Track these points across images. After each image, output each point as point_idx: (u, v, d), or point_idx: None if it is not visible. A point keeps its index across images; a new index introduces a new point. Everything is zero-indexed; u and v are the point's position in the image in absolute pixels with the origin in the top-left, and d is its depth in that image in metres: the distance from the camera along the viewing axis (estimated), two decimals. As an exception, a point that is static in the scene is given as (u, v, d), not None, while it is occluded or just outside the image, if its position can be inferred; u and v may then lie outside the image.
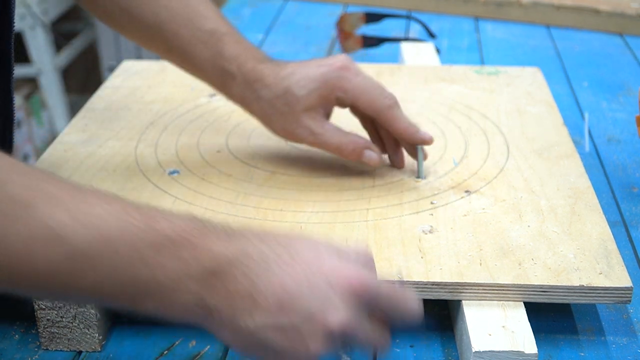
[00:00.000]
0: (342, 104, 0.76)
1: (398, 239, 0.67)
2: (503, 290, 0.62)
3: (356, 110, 0.78)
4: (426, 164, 0.79)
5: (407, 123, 0.75)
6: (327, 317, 0.51)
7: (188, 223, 0.52)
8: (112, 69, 1.07)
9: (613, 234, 0.68)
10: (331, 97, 0.75)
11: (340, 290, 0.51)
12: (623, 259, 0.65)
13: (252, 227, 0.55)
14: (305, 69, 0.75)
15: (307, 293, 0.51)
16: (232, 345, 0.53)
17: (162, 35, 0.80)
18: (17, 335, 0.66)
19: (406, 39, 1.25)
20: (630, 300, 0.62)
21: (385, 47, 1.27)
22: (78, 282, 0.50)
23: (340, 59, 0.75)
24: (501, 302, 0.62)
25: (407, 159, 0.80)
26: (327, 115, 0.77)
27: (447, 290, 0.63)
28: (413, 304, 0.54)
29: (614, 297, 0.62)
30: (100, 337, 0.64)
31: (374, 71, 1.04)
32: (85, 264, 0.49)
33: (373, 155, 0.76)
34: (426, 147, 0.78)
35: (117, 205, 0.51)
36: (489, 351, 0.58)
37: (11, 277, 0.49)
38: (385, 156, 0.80)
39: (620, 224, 0.81)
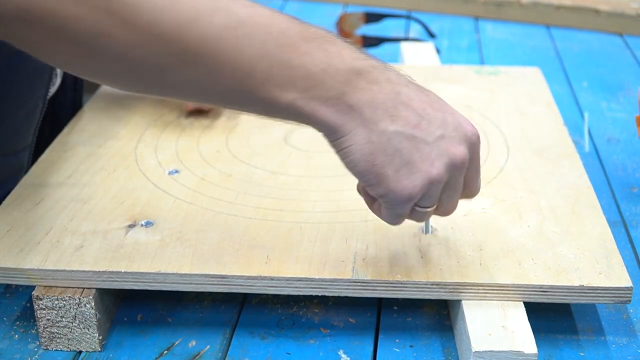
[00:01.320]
0: None
1: (398, 239, 0.67)
2: (503, 290, 0.62)
3: None
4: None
5: None
6: (455, 149, 0.56)
7: (333, 34, 0.56)
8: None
9: (613, 234, 0.68)
10: None
11: (467, 134, 0.57)
12: (623, 259, 0.65)
13: None
14: None
15: (442, 122, 0.56)
16: (360, 150, 0.55)
17: None
18: (17, 335, 0.66)
19: (406, 39, 1.25)
20: (630, 300, 0.62)
21: (385, 47, 1.27)
22: (233, 56, 0.52)
23: None
24: (501, 302, 0.62)
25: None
26: None
27: (447, 290, 0.63)
28: (479, 184, 0.60)
29: (613, 297, 0.62)
30: (100, 337, 0.64)
31: (373, 71, 1.04)
32: (244, 37, 0.52)
33: None
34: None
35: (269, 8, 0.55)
36: (489, 351, 0.58)
37: (181, 40, 0.51)
38: None
39: (620, 224, 0.81)
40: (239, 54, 0.52)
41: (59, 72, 0.86)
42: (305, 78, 0.53)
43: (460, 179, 0.58)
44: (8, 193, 0.75)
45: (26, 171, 0.80)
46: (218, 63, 0.53)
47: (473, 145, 0.58)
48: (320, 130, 0.56)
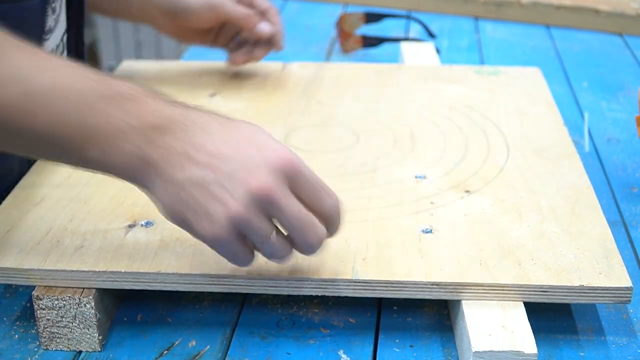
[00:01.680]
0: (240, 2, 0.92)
1: (398, 239, 0.67)
2: (503, 290, 0.62)
3: None
4: (426, 161, 0.79)
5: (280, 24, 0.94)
6: (250, 179, 0.54)
7: (140, 87, 0.58)
8: (112, 69, 1.07)
9: (613, 234, 0.68)
10: None
11: (268, 161, 0.55)
12: (623, 259, 0.65)
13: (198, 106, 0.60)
14: None
15: (237, 155, 0.55)
16: (161, 201, 0.57)
17: None
18: (17, 335, 0.66)
19: (406, 39, 1.25)
20: (630, 300, 0.62)
21: (385, 47, 1.27)
22: (31, 121, 0.55)
23: None
24: (501, 302, 0.62)
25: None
26: None
27: (447, 290, 0.63)
28: (333, 199, 0.58)
29: (613, 297, 0.62)
30: (100, 337, 0.64)
31: (374, 71, 1.04)
32: (38, 103, 0.55)
33: (266, 27, 0.92)
34: (426, 147, 0.78)
35: (80, 66, 0.57)
36: (489, 351, 0.58)
37: None
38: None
39: (620, 224, 0.81)
40: (36, 120, 0.55)
41: None
42: (101, 137, 0.56)
43: (282, 206, 0.55)
44: (7, 186, 0.75)
45: (23, 161, 0.80)
46: (15, 129, 0.56)
47: (282, 171, 0.55)
48: (128, 181, 0.59)
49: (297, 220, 0.56)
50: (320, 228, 0.58)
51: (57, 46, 0.82)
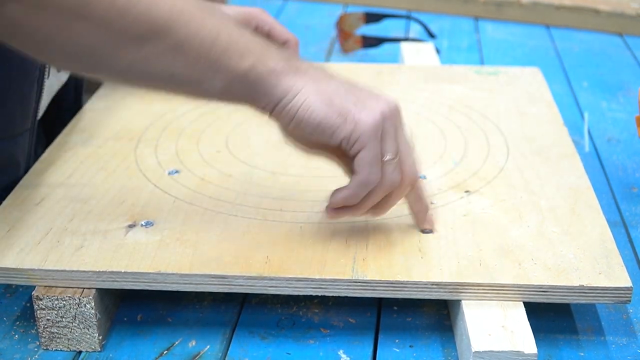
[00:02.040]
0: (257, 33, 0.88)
1: (398, 239, 0.67)
2: (503, 290, 0.62)
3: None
4: (426, 161, 0.79)
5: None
6: (382, 101, 0.63)
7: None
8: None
9: (613, 234, 0.68)
10: (251, 24, 0.88)
11: (386, 97, 0.64)
12: (623, 259, 0.65)
13: None
14: None
15: (363, 89, 0.64)
16: (315, 100, 0.61)
17: None
18: (17, 335, 0.66)
19: (406, 39, 1.25)
20: (629, 300, 0.62)
21: (385, 47, 1.27)
22: (200, 26, 0.59)
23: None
24: (501, 302, 0.62)
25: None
26: None
27: (447, 290, 0.63)
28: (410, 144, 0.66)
29: (613, 297, 0.62)
30: (100, 337, 0.64)
31: (374, 71, 1.04)
32: (204, 10, 0.60)
33: None
34: (426, 147, 0.78)
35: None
36: (489, 351, 0.58)
37: (151, 18, 0.57)
38: None
39: (620, 224, 0.81)
40: (202, 26, 0.59)
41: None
42: (257, 46, 0.61)
43: (401, 130, 0.64)
44: (12, 179, 0.76)
45: (30, 155, 0.80)
46: (184, 35, 0.58)
47: (397, 110, 0.64)
48: (270, 100, 0.61)
49: (409, 145, 0.65)
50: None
51: None
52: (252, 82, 0.61)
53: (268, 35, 0.89)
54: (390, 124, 0.62)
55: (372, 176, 0.62)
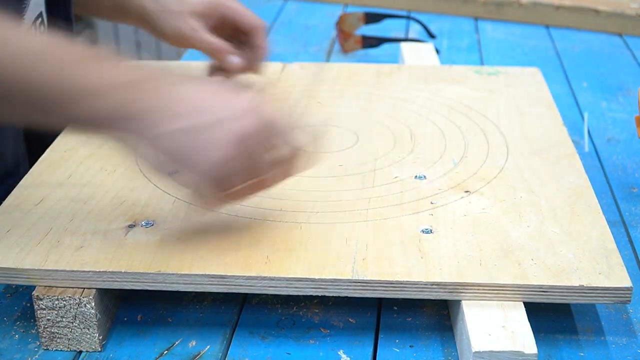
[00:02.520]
0: (224, 21, 0.88)
1: (398, 239, 0.67)
2: (503, 290, 0.62)
3: (227, 28, 0.89)
4: (426, 162, 0.79)
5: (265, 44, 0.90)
6: (235, 124, 0.59)
7: (114, 52, 0.62)
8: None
9: (613, 234, 0.68)
10: (216, 11, 0.87)
11: (247, 105, 0.60)
12: (623, 259, 0.65)
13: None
14: None
15: (220, 104, 0.60)
16: (149, 155, 0.60)
17: None
18: (17, 335, 0.66)
19: (406, 39, 1.25)
20: (629, 301, 0.62)
21: (385, 47, 1.27)
22: (23, 79, 0.58)
23: None
24: (501, 302, 0.63)
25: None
26: (209, 30, 0.88)
27: (447, 290, 0.63)
28: (296, 141, 0.63)
29: (613, 297, 0.62)
30: (100, 337, 0.64)
31: (374, 71, 1.04)
32: (31, 62, 0.58)
33: (235, 59, 0.87)
34: (426, 147, 0.78)
35: (59, 34, 0.61)
36: (489, 351, 0.58)
37: None
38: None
39: (619, 224, 0.81)
40: (32, 75, 0.58)
41: None
42: (87, 93, 0.59)
43: (270, 142, 0.61)
44: None
45: (18, 148, 0.80)
46: (8, 88, 0.59)
47: (259, 112, 0.61)
48: (112, 140, 0.62)
49: (272, 163, 0.63)
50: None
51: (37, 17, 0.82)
52: (87, 127, 0.62)
53: (234, 24, 0.89)
54: (234, 157, 0.60)
55: (258, 171, 0.63)
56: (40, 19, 0.84)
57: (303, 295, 0.68)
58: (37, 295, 0.63)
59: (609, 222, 0.71)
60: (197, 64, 1.06)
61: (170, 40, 0.91)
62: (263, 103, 0.62)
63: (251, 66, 0.90)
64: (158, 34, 0.91)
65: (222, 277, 0.63)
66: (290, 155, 0.63)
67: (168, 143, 0.59)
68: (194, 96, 0.61)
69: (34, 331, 0.66)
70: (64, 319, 0.63)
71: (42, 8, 0.82)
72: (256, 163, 0.62)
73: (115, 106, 0.59)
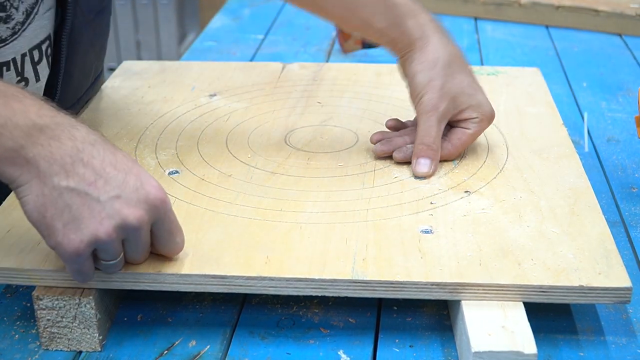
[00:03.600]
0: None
1: (398, 239, 0.67)
2: (502, 290, 0.62)
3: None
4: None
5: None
6: (128, 209, 0.58)
7: (28, 92, 0.60)
8: (112, 70, 1.07)
9: (612, 234, 0.68)
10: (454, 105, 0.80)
11: (148, 198, 0.59)
12: (622, 259, 0.65)
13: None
14: None
15: (122, 182, 0.58)
16: (31, 200, 0.58)
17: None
18: (17, 335, 0.66)
19: (406, 39, 1.25)
20: (629, 301, 0.62)
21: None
22: None
23: None
24: (501, 302, 0.63)
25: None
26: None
27: (446, 290, 0.63)
28: (179, 244, 0.63)
29: (613, 297, 0.62)
30: (100, 337, 0.64)
31: (374, 71, 1.04)
32: None
33: (422, 168, 0.78)
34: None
35: None
36: (489, 351, 0.58)
37: None
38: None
39: (619, 224, 0.81)
40: None
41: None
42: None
43: (142, 238, 0.60)
44: None
45: None
46: None
47: (155, 208, 0.59)
48: (3, 180, 0.59)
49: (143, 252, 0.61)
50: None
51: (24, 55, 0.80)
52: None
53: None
54: (109, 240, 0.58)
55: (75, 277, 0.61)
56: (48, 42, 0.83)
57: (303, 295, 0.68)
58: (37, 295, 0.63)
59: (608, 222, 0.71)
60: (197, 64, 1.07)
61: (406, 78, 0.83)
62: (162, 200, 0.60)
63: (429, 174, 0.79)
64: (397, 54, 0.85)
65: (222, 277, 0.63)
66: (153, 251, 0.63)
67: (59, 197, 0.57)
68: (99, 161, 0.58)
69: (34, 331, 0.66)
70: (64, 319, 0.63)
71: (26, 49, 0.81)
72: (136, 246, 0.60)
73: (15, 148, 0.57)
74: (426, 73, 0.80)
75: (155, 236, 0.61)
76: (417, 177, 0.77)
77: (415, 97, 0.80)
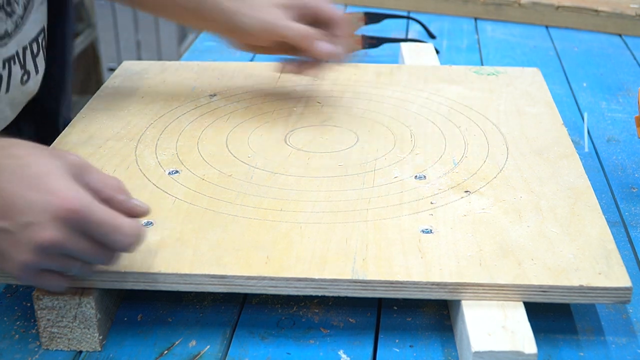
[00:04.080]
0: (304, 14, 0.87)
1: (398, 239, 0.67)
2: (503, 290, 0.62)
3: (306, 20, 0.87)
4: (426, 162, 0.79)
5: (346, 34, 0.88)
6: (40, 233, 0.56)
7: None
8: (112, 71, 1.07)
9: (612, 234, 0.68)
10: (296, 4, 0.86)
11: (55, 211, 0.56)
12: (622, 259, 0.65)
13: None
14: None
15: (29, 207, 0.56)
16: None
17: None
18: (17, 335, 0.66)
19: (406, 40, 1.25)
20: (629, 300, 0.62)
21: (385, 47, 1.27)
22: None
23: None
24: (501, 302, 0.63)
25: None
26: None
27: (446, 290, 0.63)
28: (124, 238, 0.58)
29: (613, 297, 0.62)
30: (100, 337, 0.64)
31: (374, 71, 1.04)
32: None
33: (325, 45, 0.85)
34: (426, 147, 0.78)
35: None
36: (489, 351, 0.58)
37: None
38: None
39: (619, 224, 0.81)
40: None
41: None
42: None
43: (75, 248, 0.57)
44: None
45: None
46: None
47: (69, 220, 0.56)
48: None
49: (94, 255, 0.59)
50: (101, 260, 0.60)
51: (25, 48, 0.81)
52: None
53: (314, 16, 0.87)
54: (35, 264, 0.58)
55: (55, 288, 0.61)
56: (42, 34, 0.84)
57: (303, 295, 0.68)
58: (37, 295, 0.63)
59: (608, 222, 0.71)
60: (197, 64, 1.07)
61: (249, 37, 0.87)
62: (73, 211, 0.56)
63: (337, 55, 0.88)
64: (235, 32, 0.88)
65: (222, 277, 0.63)
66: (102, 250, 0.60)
67: None
68: (9, 189, 0.57)
69: (34, 331, 0.66)
70: (64, 319, 0.63)
71: (26, 42, 0.82)
72: (63, 263, 0.59)
73: None
74: (249, 14, 0.85)
75: (95, 239, 0.58)
76: (323, 59, 0.86)
77: (267, 34, 0.86)
